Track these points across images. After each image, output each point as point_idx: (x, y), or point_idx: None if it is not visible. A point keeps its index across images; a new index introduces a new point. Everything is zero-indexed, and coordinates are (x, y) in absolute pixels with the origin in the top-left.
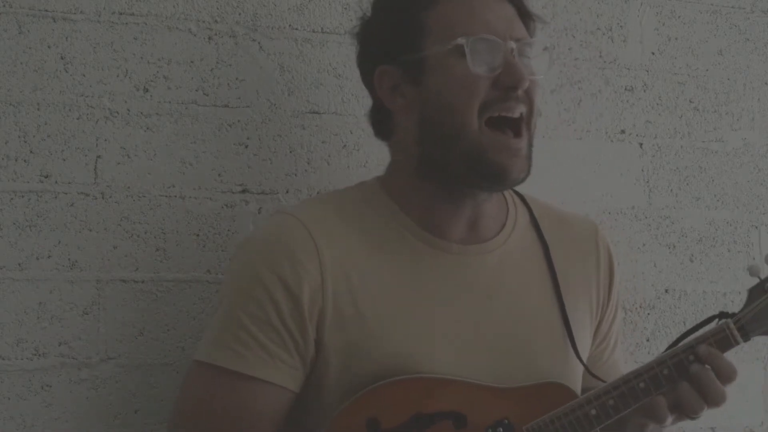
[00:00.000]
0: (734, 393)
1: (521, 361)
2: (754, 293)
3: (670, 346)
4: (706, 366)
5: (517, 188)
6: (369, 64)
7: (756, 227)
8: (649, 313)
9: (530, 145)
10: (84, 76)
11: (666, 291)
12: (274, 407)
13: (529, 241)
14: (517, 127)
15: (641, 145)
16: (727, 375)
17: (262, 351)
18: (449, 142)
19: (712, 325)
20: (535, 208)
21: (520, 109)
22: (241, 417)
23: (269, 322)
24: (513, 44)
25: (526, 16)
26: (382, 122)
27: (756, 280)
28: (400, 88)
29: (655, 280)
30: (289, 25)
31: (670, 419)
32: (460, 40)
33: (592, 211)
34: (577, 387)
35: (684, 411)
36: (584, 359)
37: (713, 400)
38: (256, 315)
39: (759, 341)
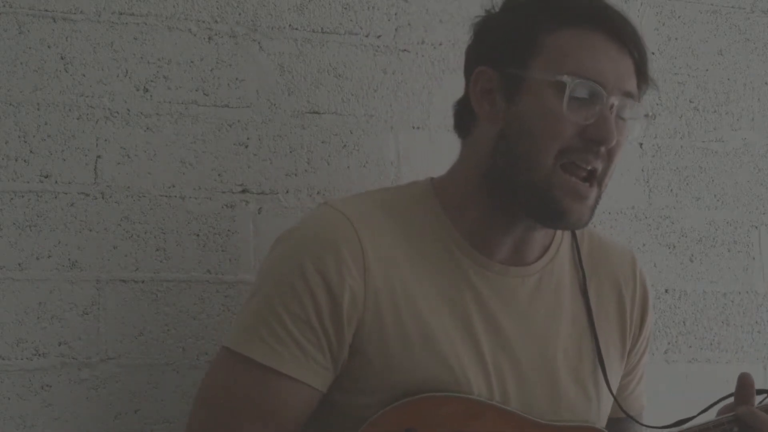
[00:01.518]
0: None
1: (548, 387)
2: None
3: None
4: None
5: None
6: (474, 58)
7: (756, 227)
8: None
9: (598, 198)
10: (84, 76)
11: (666, 291)
12: (301, 406)
13: (568, 267)
14: (589, 177)
15: (641, 145)
16: None
17: (297, 349)
18: (520, 169)
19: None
20: (578, 233)
21: (596, 164)
22: (267, 412)
23: (307, 321)
24: (615, 101)
25: (641, 77)
26: (464, 119)
27: None
28: (493, 95)
29: (655, 280)
30: (289, 25)
31: None
32: (566, 78)
33: None
34: (605, 418)
35: None
36: (614, 390)
37: None
38: (295, 312)
39: (758, 341)
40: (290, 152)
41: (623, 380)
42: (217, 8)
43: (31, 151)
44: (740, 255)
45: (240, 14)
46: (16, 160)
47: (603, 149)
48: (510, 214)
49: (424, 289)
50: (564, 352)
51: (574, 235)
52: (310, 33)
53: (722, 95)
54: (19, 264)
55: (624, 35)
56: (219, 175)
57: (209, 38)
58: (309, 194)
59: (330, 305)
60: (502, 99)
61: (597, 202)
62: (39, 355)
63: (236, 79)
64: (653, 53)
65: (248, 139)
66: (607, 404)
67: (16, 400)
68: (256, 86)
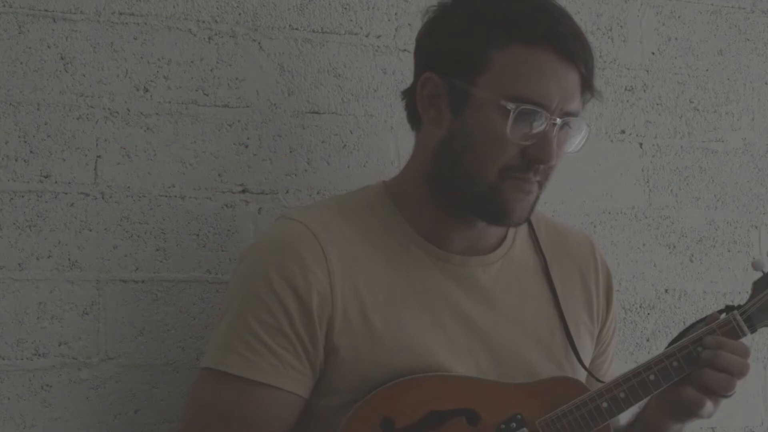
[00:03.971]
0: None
1: (521, 369)
2: (758, 286)
3: (675, 339)
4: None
5: None
6: (424, 57)
7: (756, 227)
8: (649, 313)
9: (538, 197)
10: (84, 76)
11: (666, 291)
12: (284, 414)
13: (528, 253)
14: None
15: (641, 145)
16: (740, 354)
17: (273, 358)
18: (463, 180)
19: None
20: (535, 221)
21: (535, 179)
22: (251, 424)
23: (280, 329)
24: (559, 120)
25: (587, 90)
26: (413, 114)
27: (760, 274)
28: (438, 102)
29: (655, 280)
30: (289, 25)
31: (710, 405)
32: (510, 105)
33: (592, 211)
34: None
35: (716, 391)
36: (587, 365)
37: (739, 371)
38: (267, 321)
39: (759, 341)
40: (290, 152)
41: (596, 361)
42: (217, 8)
43: (31, 151)
44: (740, 255)
45: (240, 14)
46: (16, 160)
47: (543, 166)
48: (455, 212)
49: (387, 284)
50: (535, 333)
51: (530, 223)
52: (310, 33)
53: (722, 95)
54: (19, 264)
55: (573, 53)
56: (219, 175)
57: (209, 38)
58: (309, 194)
59: (300, 311)
60: (447, 108)
61: (537, 200)
62: (39, 355)
63: (236, 79)
64: (653, 53)
65: (248, 139)
66: (582, 379)
67: (16, 400)
68: (256, 86)
